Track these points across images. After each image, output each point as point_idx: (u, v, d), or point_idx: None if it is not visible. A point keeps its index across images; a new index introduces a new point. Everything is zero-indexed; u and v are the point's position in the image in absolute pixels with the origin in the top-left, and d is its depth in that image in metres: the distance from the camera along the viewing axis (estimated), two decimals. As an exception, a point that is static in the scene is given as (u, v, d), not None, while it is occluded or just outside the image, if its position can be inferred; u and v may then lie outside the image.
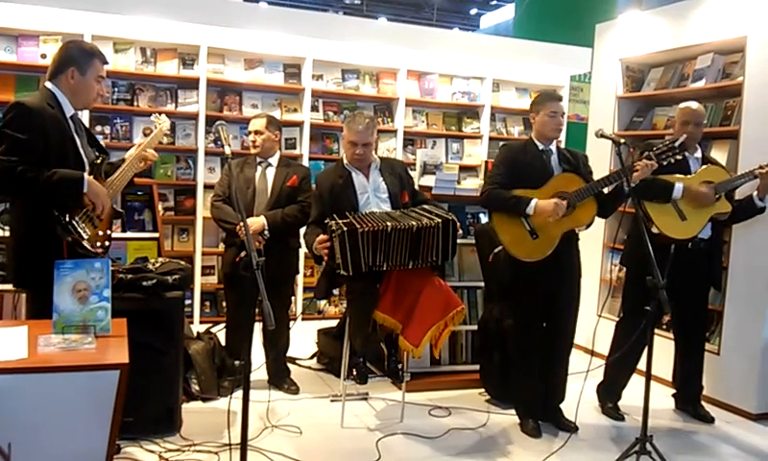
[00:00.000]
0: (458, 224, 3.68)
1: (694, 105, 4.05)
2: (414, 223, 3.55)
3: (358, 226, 3.48)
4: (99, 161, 3.06)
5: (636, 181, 3.65)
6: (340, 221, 3.55)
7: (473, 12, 19.05)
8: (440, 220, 3.59)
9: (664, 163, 3.69)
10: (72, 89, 2.98)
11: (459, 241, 4.60)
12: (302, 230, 4.09)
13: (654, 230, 3.90)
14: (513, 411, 4.04)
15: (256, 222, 4.02)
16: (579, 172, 3.80)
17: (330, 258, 3.60)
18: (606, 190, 3.77)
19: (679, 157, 3.71)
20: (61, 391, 2.16)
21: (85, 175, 2.89)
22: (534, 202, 3.66)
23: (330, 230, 3.56)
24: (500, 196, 3.76)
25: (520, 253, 3.75)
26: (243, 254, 3.92)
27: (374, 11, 17.34)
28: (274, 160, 4.27)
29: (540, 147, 3.82)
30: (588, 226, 3.85)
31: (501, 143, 6.82)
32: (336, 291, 4.41)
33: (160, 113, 3.47)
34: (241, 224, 3.88)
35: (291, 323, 4.41)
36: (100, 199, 2.94)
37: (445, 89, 6.72)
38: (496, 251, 4.13)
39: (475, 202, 4.72)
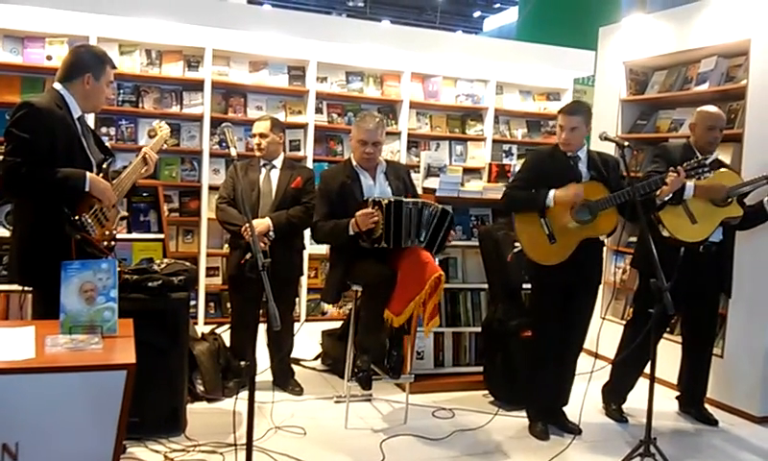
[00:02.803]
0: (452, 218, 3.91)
1: (714, 108, 4.05)
2: (420, 200, 3.86)
3: (402, 198, 3.71)
4: (105, 166, 3.10)
5: (666, 195, 3.70)
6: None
7: (477, 14, 19.08)
8: (440, 207, 3.84)
9: (693, 179, 3.71)
10: (86, 94, 3.03)
11: (463, 243, 4.67)
12: (307, 232, 4.12)
13: (664, 233, 3.91)
14: (517, 413, 4.05)
15: (262, 223, 4.03)
16: (606, 179, 3.76)
17: (368, 235, 3.69)
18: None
19: (709, 175, 3.73)
20: (69, 391, 2.17)
21: (88, 173, 2.91)
22: (552, 192, 3.67)
23: (374, 202, 3.68)
24: (518, 194, 3.80)
25: (537, 256, 3.76)
26: (248, 256, 3.93)
27: (378, 13, 17.38)
28: (278, 162, 4.28)
29: (568, 154, 3.80)
30: (609, 235, 3.85)
31: (504, 145, 6.98)
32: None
33: (162, 119, 3.50)
34: (246, 225, 3.91)
35: (296, 324, 4.42)
36: (105, 195, 2.97)
37: (449, 92, 6.73)
38: (516, 251, 4.14)
39: (479, 203, 4.75)
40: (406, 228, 3.69)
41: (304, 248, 4.43)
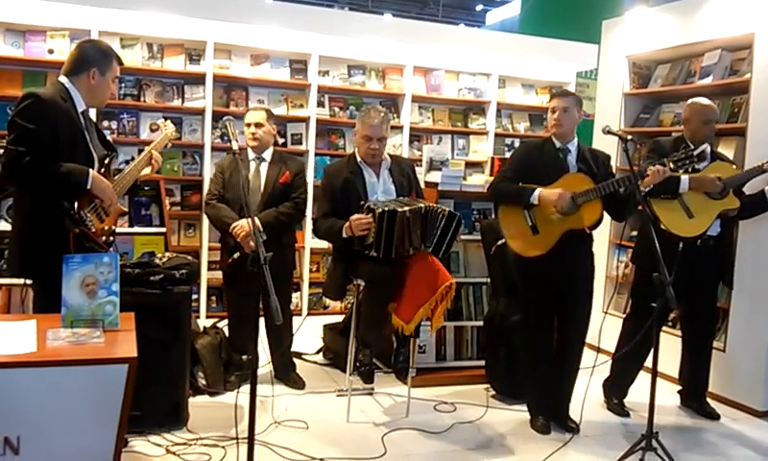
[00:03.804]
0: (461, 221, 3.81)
1: (706, 100, 4.03)
2: (422, 205, 3.74)
3: (399, 208, 3.60)
4: (107, 161, 3.09)
5: (646, 188, 3.65)
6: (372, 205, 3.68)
7: (479, 7, 19.00)
8: (447, 211, 3.75)
9: (680, 171, 3.67)
10: (91, 89, 3.03)
11: (465, 237, 4.66)
12: (307, 227, 4.09)
13: (662, 227, 3.89)
14: (518, 407, 4.05)
15: (250, 223, 3.97)
16: (594, 173, 3.74)
17: (360, 240, 3.65)
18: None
19: (698, 168, 3.68)
20: (70, 385, 2.17)
21: (91, 170, 2.91)
22: (538, 191, 3.66)
23: (368, 209, 3.63)
24: (505, 188, 3.79)
25: (519, 247, 3.76)
26: (236, 255, 3.92)
27: (380, 6, 17.31)
28: (267, 155, 4.22)
29: (558, 145, 3.79)
30: (592, 228, 3.82)
31: (507, 139, 6.97)
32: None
33: (164, 112, 3.49)
34: (234, 224, 3.92)
35: (298, 319, 4.40)
36: (106, 194, 2.97)
37: (452, 85, 6.72)
38: (499, 243, 4.14)
39: (481, 197, 4.74)
40: (399, 238, 3.59)
41: (296, 242, 4.40)
